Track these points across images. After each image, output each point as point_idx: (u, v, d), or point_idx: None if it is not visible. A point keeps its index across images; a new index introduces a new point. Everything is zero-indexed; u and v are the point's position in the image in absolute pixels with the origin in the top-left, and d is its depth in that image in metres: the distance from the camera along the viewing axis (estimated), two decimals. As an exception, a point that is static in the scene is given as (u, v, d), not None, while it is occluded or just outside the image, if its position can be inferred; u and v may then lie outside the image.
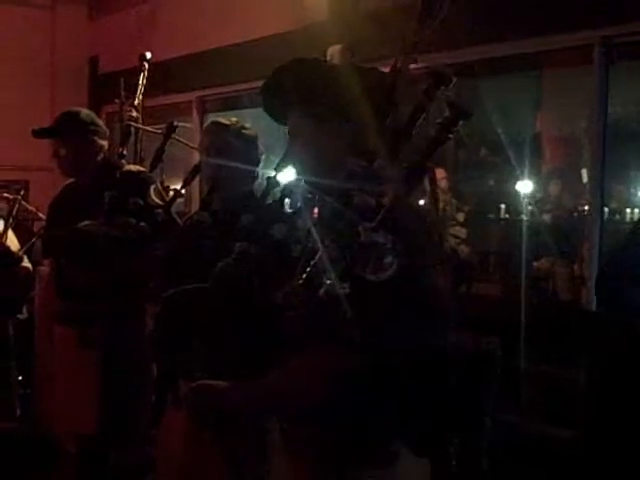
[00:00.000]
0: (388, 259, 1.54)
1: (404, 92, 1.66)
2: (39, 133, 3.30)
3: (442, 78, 1.62)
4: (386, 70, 1.81)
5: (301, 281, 1.66)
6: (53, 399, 3.49)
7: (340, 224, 1.62)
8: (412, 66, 1.68)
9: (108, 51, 6.63)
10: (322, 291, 1.58)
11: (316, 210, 1.94)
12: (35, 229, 4.85)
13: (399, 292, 1.56)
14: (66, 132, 3.24)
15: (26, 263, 4.24)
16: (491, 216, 6.70)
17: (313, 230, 1.72)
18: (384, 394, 1.64)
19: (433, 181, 3.53)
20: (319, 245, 1.64)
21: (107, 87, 6.09)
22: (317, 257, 1.63)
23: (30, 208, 4.73)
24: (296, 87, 1.76)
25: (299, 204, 1.96)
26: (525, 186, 6.24)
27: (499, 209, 6.56)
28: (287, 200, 2.28)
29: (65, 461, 3.66)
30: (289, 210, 2.07)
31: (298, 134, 1.79)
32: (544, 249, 5.84)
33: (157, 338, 2.20)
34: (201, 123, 5.75)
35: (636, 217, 5.89)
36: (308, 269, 1.64)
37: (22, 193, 4.46)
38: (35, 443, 4.26)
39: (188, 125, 5.30)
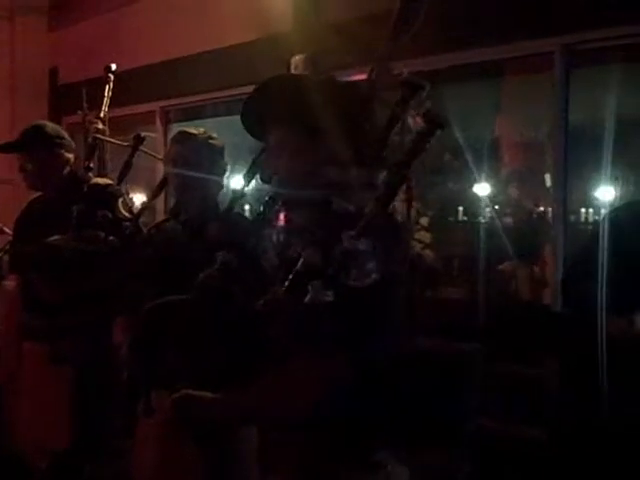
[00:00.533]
0: (370, 266, 1.57)
1: (382, 99, 1.69)
2: (4, 148, 3.27)
3: (415, 87, 1.64)
4: (357, 79, 1.85)
5: (283, 289, 1.68)
6: (20, 415, 3.45)
7: (320, 232, 1.64)
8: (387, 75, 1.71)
9: (68, 62, 6.58)
10: (307, 299, 1.59)
11: (282, 217, 1.97)
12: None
13: (379, 298, 1.60)
14: (32, 146, 3.21)
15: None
16: (453, 220, 6.77)
17: (293, 238, 1.75)
18: (368, 400, 1.66)
19: (409, 189, 3.58)
20: (301, 253, 1.66)
21: (67, 98, 6.05)
22: (299, 265, 1.65)
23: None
24: (281, 103, 1.78)
25: (266, 212, 1.98)
26: (485, 189, 6.32)
27: (460, 213, 6.63)
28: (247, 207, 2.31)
29: (35, 477, 3.62)
30: (256, 218, 2.08)
31: (284, 149, 1.81)
32: (506, 252, 5.92)
33: (136, 349, 2.20)
34: (165, 133, 5.74)
35: (591, 217, 6.00)
36: (290, 277, 1.66)
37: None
38: (2, 459, 4.19)
39: (152, 135, 5.29)
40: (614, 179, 4.38)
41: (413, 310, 1.83)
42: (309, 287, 1.58)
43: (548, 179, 4.12)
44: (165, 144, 5.55)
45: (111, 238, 2.86)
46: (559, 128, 3.62)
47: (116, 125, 3.93)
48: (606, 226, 2.76)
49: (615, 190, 4.81)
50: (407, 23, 1.71)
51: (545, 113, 4.11)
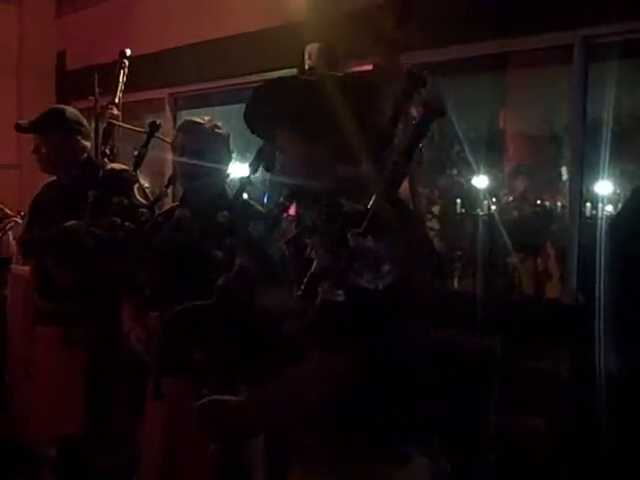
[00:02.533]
0: (385, 267, 1.57)
1: (391, 91, 1.67)
2: (23, 128, 3.25)
3: (417, 79, 1.61)
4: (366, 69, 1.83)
5: (300, 292, 1.67)
6: (32, 399, 3.45)
7: (332, 232, 1.65)
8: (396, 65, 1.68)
9: (76, 47, 6.54)
10: (317, 300, 1.60)
11: (291, 211, 1.97)
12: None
13: (394, 299, 1.59)
14: (49, 129, 3.20)
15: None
16: (455, 212, 6.77)
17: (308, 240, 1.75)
18: (391, 395, 1.67)
19: (411, 180, 3.58)
20: (314, 255, 1.66)
21: (75, 83, 6.02)
22: (313, 267, 1.64)
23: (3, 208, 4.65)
24: (281, 107, 1.78)
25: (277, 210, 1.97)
26: (490, 182, 6.32)
27: (465, 205, 6.63)
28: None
29: (44, 464, 3.62)
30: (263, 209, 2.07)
31: (287, 149, 1.81)
32: (513, 244, 5.92)
33: (162, 356, 2.20)
34: (174, 120, 5.71)
35: (599, 212, 6.00)
36: (305, 279, 1.65)
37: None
38: (12, 446, 4.20)
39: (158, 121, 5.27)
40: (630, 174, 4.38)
41: (435, 302, 1.81)
42: (319, 288, 1.59)
43: (564, 172, 4.11)
44: (174, 131, 5.53)
45: (127, 224, 2.85)
46: (577, 122, 3.60)
47: (124, 111, 3.91)
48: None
49: (630, 185, 4.81)
50: (410, 13, 1.69)
51: (559, 107, 4.10)
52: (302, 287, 1.65)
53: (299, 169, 1.78)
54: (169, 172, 5.50)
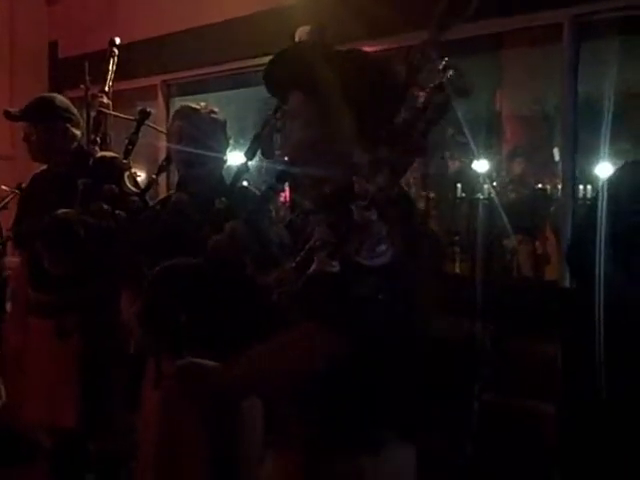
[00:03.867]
0: (382, 246, 1.56)
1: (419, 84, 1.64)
2: (13, 116, 3.23)
3: (446, 68, 1.59)
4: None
5: (294, 264, 1.66)
6: (27, 391, 3.44)
7: (338, 209, 1.61)
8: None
9: (68, 35, 6.50)
10: (311, 269, 1.58)
11: (286, 194, 1.95)
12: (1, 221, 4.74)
13: (389, 278, 1.57)
14: (39, 117, 3.18)
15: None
16: (452, 197, 6.75)
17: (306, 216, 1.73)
18: (368, 378, 1.65)
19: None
20: (316, 230, 1.63)
21: (67, 72, 5.97)
22: (312, 241, 1.63)
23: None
24: (302, 66, 1.75)
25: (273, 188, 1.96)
26: (487, 165, 6.30)
27: (461, 189, 6.61)
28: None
29: (39, 455, 3.63)
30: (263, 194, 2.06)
31: (298, 115, 1.78)
32: (508, 228, 5.91)
33: (145, 313, 2.18)
34: (167, 107, 5.68)
35: (589, 193, 5.99)
36: (303, 253, 1.64)
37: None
38: (8, 437, 4.20)
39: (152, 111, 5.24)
40: (622, 153, 4.35)
41: (429, 288, 1.79)
42: (314, 257, 1.57)
43: (556, 153, 4.08)
44: (167, 118, 5.49)
45: (118, 212, 2.84)
46: (568, 102, 3.57)
47: (117, 99, 3.89)
48: (606, 188, 2.71)
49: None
50: (455, 14, 1.66)
51: (553, 87, 4.07)
52: (297, 259, 1.64)
53: (301, 137, 1.76)
54: (161, 159, 5.50)
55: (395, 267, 1.57)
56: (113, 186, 2.91)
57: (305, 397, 1.69)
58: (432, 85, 1.59)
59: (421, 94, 1.62)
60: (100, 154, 3.23)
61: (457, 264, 6.02)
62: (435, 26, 1.64)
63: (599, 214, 2.66)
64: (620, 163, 2.85)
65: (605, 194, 2.63)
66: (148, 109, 3.25)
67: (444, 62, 1.60)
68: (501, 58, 5.99)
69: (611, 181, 2.77)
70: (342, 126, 1.70)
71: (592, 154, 4.35)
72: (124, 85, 5.57)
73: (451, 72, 1.56)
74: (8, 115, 3.23)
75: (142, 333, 2.39)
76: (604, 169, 4.69)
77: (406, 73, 1.68)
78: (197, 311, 1.98)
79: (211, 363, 1.77)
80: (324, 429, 1.68)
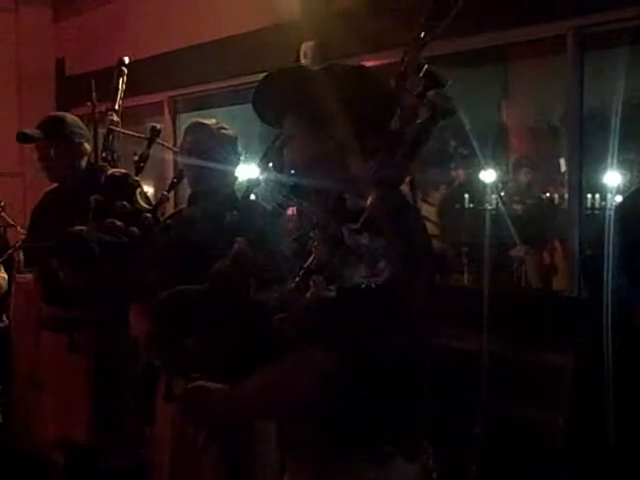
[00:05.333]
0: (380, 265, 1.55)
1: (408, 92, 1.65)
2: (32, 138, 3.22)
3: (436, 80, 1.60)
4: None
5: (293, 285, 1.66)
6: (39, 407, 3.46)
7: (331, 227, 1.62)
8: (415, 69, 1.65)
9: (74, 53, 6.56)
10: (309, 294, 1.59)
11: (291, 211, 1.95)
12: (9, 237, 4.78)
13: (386, 299, 1.57)
14: (54, 137, 3.20)
15: (2, 272, 4.20)
16: (459, 207, 6.74)
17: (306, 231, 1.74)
18: (374, 396, 1.65)
19: (412, 179, 3.56)
20: (312, 248, 1.64)
21: (75, 89, 6.03)
22: (309, 261, 1.63)
23: (5, 216, 4.65)
24: (287, 93, 1.77)
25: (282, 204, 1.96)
26: (494, 176, 6.28)
27: (467, 200, 6.61)
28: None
29: (52, 471, 3.63)
30: (273, 210, 2.06)
31: (292, 137, 1.80)
32: (516, 238, 5.90)
33: (155, 336, 2.19)
34: (173, 123, 5.72)
35: (597, 203, 5.98)
36: (301, 272, 1.64)
37: (3, 204, 4.41)
38: (18, 453, 4.21)
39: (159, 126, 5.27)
40: (629, 163, 4.35)
41: (430, 302, 1.79)
42: (311, 282, 1.58)
43: (563, 164, 4.09)
44: (174, 134, 5.54)
45: (132, 229, 2.85)
46: (573, 112, 3.58)
47: (124, 115, 3.92)
48: (620, 211, 2.74)
49: (628, 175, 4.79)
50: (438, 18, 1.67)
51: (558, 97, 4.08)
52: (296, 280, 1.64)
53: (304, 158, 1.77)
54: (169, 176, 5.53)
55: (394, 285, 1.56)
56: (125, 203, 2.94)
57: (309, 417, 1.70)
58: (416, 92, 1.59)
59: (409, 99, 1.62)
60: (111, 171, 3.24)
61: (465, 275, 5.99)
62: (419, 31, 1.66)
63: (614, 229, 2.69)
64: (626, 173, 2.87)
65: (620, 213, 2.66)
66: (158, 126, 3.30)
67: (424, 71, 1.59)
68: (506, 70, 6.02)
69: (626, 201, 2.80)
70: (337, 141, 1.71)
71: (598, 164, 4.36)
72: (131, 101, 5.62)
73: (431, 93, 1.55)
74: (26, 137, 3.23)
75: (152, 355, 2.40)
76: (610, 178, 4.70)
77: (395, 79, 1.70)
78: (203, 336, 1.99)
79: (217, 386, 1.78)
80: (331, 445, 1.68)
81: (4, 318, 4.31)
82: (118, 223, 2.73)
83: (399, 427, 1.69)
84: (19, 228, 4.21)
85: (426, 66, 1.60)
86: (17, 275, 4.37)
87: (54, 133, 3.20)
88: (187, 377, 1.90)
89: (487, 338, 3.52)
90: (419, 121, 1.58)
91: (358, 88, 1.72)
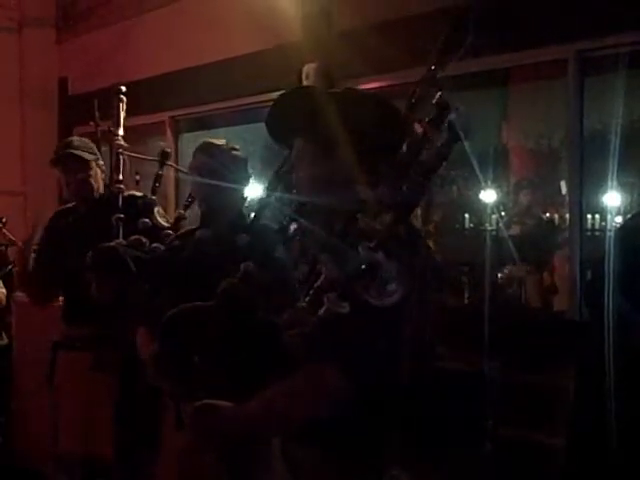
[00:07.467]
0: (392, 286, 1.56)
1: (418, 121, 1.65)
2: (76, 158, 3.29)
3: (446, 109, 1.61)
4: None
5: (304, 304, 1.67)
6: (61, 425, 3.42)
7: (343, 247, 1.64)
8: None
9: (77, 73, 6.59)
10: (321, 310, 1.59)
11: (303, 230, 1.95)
12: (10, 255, 4.79)
13: (396, 319, 1.59)
14: (84, 161, 3.29)
15: (1, 288, 4.21)
16: (459, 227, 6.76)
17: (319, 254, 1.74)
18: (378, 416, 1.66)
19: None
20: (323, 268, 1.65)
21: (78, 108, 6.05)
22: (320, 280, 1.64)
23: (7, 234, 4.67)
24: (299, 114, 1.80)
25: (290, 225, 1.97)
26: (494, 196, 6.31)
27: (466, 220, 6.63)
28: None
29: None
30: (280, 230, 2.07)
31: (302, 159, 1.82)
32: (518, 258, 5.90)
33: (161, 357, 2.19)
34: (175, 142, 5.74)
35: (597, 224, 5.99)
36: (312, 292, 1.65)
37: (4, 220, 4.43)
38: (16, 472, 4.19)
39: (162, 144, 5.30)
40: (629, 186, 4.37)
41: (432, 324, 1.81)
42: (324, 299, 1.58)
43: (564, 186, 4.11)
44: (176, 154, 5.55)
45: (156, 245, 2.87)
46: (574, 135, 3.60)
47: (126, 135, 3.94)
48: (621, 236, 2.74)
49: (629, 197, 4.81)
50: (451, 51, 1.69)
51: (559, 120, 4.10)
52: (307, 298, 1.65)
53: (312, 182, 1.80)
54: (171, 192, 5.55)
55: (405, 306, 1.58)
56: (147, 220, 2.97)
57: (313, 433, 1.70)
58: (427, 119, 1.60)
59: (419, 127, 1.63)
60: (129, 192, 3.27)
61: (465, 295, 5.99)
62: (433, 62, 1.67)
63: (615, 251, 2.69)
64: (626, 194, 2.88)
65: (621, 235, 2.66)
66: (168, 149, 3.37)
67: (438, 97, 1.60)
68: (508, 92, 6.04)
69: (627, 224, 2.80)
70: (345, 164, 1.73)
71: (598, 185, 4.38)
72: (132, 122, 5.65)
73: (452, 115, 1.56)
74: (76, 157, 3.28)
75: (159, 380, 2.39)
76: (610, 199, 4.71)
77: (405, 108, 1.71)
78: (210, 354, 1.98)
79: (226, 404, 1.78)
80: (334, 466, 1.69)
81: (4, 336, 4.30)
82: (144, 240, 2.77)
83: (403, 446, 1.70)
84: (20, 244, 4.21)
85: (439, 94, 1.61)
86: (17, 294, 4.36)
87: (94, 155, 3.32)
88: (193, 396, 1.89)
89: (487, 358, 3.52)
90: (439, 144, 1.59)
91: (371, 114, 1.75)
